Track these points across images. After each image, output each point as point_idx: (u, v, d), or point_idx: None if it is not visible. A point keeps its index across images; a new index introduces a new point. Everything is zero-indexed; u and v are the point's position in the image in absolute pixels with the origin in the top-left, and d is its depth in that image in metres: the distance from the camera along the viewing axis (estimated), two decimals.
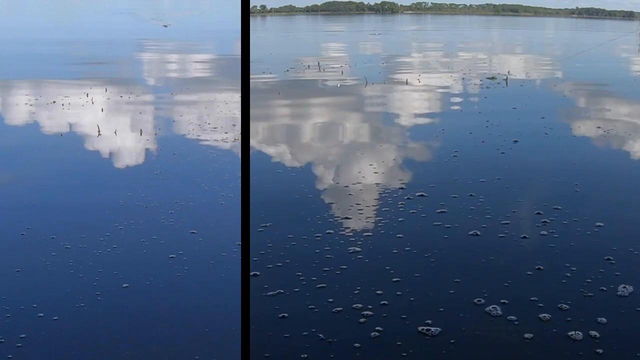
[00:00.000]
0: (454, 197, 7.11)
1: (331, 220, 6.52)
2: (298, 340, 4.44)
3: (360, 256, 5.71)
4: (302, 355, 4.28)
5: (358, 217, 6.59)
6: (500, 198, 7.14)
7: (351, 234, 6.18)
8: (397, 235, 6.14)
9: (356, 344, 4.38)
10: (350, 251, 5.80)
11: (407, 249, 5.86)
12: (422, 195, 7.15)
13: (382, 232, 6.25)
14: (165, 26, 20.46)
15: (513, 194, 7.29)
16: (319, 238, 6.07)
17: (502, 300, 4.90)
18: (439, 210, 6.73)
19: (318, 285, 5.16)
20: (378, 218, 6.58)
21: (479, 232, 6.19)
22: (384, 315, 4.74)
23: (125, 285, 5.25)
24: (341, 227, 6.32)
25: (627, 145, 9.79)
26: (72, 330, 4.60)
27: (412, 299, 4.97)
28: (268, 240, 5.95)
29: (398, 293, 5.03)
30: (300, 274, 5.34)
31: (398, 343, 4.40)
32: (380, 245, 5.95)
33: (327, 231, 6.21)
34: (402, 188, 7.43)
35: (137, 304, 5.01)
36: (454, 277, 5.29)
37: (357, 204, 6.96)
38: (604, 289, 5.08)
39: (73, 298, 5.00)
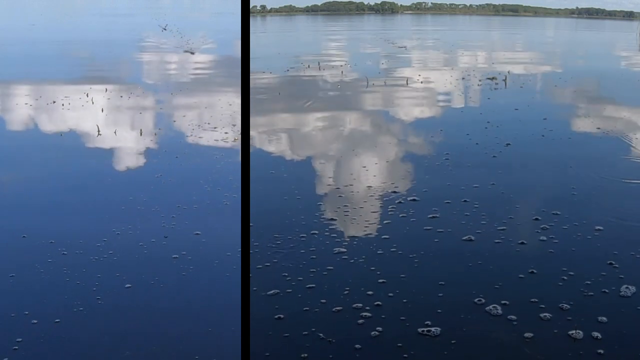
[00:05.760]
0: (447, 202, 7.06)
1: (317, 221, 6.51)
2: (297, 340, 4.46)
3: (345, 257, 5.71)
4: (303, 355, 4.29)
5: (344, 219, 6.58)
6: (496, 203, 7.05)
7: (336, 235, 6.17)
8: (383, 237, 6.13)
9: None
10: (335, 252, 5.80)
11: (392, 250, 5.86)
12: (414, 200, 7.13)
13: (368, 234, 6.24)
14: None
15: (509, 199, 7.23)
16: (304, 239, 6.07)
17: (503, 301, 4.90)
18: (430, 215, 6.70)
19: (307, 286, 5.18)
20: (366, 220, 6.57)
21: (473, 237, 6.16)
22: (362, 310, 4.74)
23: (127, 285, 5.25)
24: (327, 229, 6.30)
25: (626, 145, 9.79)
26: (71, 333, 4.58)
27: (403, 299, 4.98)
28: (255, 241, 5.96)
29: (369, 293, 5.06)
30: (286, 274, 5.36)
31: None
32: (366, 246, 5.94)
33: (312, 232, 6.21)
34: (394, 192, 7.41)
35: (139, 304, 5.00)
36: (439, 280, 5.29)
37: (345, 205, 6.95)
38: (606, 291, 5.08)
39: (71, 303, 4.96)
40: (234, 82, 14.70)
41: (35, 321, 4.71)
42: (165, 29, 18.96)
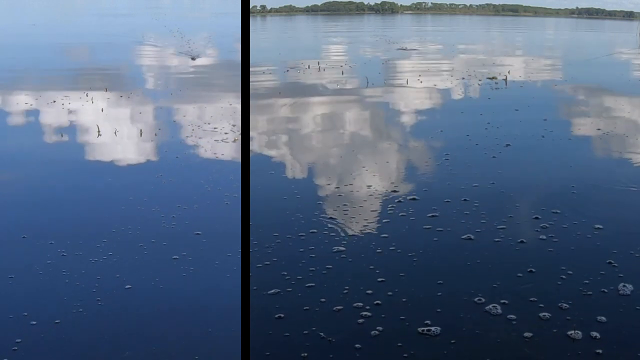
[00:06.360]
0: (447, 201, 7.06)
1: (315, 220, 6.52)
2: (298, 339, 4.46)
3: (344, 256, 5.72)
4: (303, 354, 4.30)
5: (343, 218, 6.58)
6: (496, 202, 7.05)
7: (335, 234, 6.18)
8: (382, 236, 6.14)
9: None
10: (335, 250, 5.81)
11: (391, 249, 5.87)
12: (414, 199, 7.13)
13: (367, 232, 6.25)
14: (194, 58, 19.10)
15: (509, 198, 7.23)
16: (303, 237, 6.09)
17: (503, 301, 4.91)
18: (430, 214, 6.69)
19: (307, 285, 5.19)
20: (365, 219, 6.57)
21: (472, 237, 6.16)
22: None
23: (127, 286, 5.25)
24: (326, 228, 6.31)
25: (626, 145, 9.78)
26: (70, 334, 4.58)
27: (402, 298, 4.99)
28: (254, 240, 5.97)
29: (369, 292, 5.07)
30: (285, 273, 5.37)
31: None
32: (365, 245, 5.96)
33: (311, 231, 6.22)
34: (394, 191, 7.41)
35: (139, 305, 5.00)
36: (438, 279, 5.29)
37: (344, 205, 6.96)
38: (605, 290, 5.08)
39: (71, 304, 4.96)
40: (235, 86, 14.69)
41: (34, 322, 4.71)
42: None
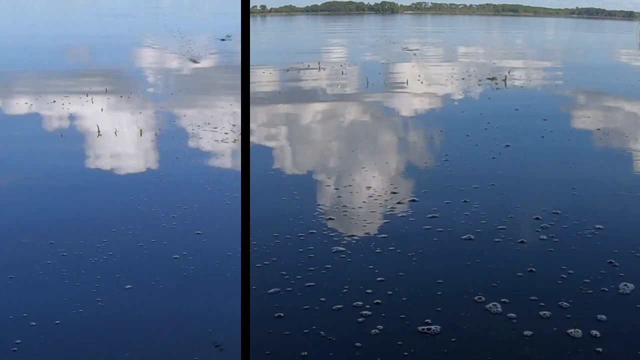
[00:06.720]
0: (447, 202, 7.06)
1: (315, 220, 6.51)
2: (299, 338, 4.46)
3: (344, 256, 5.72)
4: (303, 353, 4.30)
5: (342, 219, 6.58)
6: (496, 203, 7.04)
7: (334, 234, 6.18)
8: (382, 236, 6.14)
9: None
10: (334, 250, 5.81)
11: (390, 249, 5.87)
12: (413, 200, 7.13)
13: (366, 232, 6.25)
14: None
15: (509, 198, 7.21)
16: (302, 238, 6.09)
17: (503, 299, 4.91)
18: (430, 215, 6.69)
19: (307, 284, 5.20)
20: (364, 220, 6.57)
21: (472, 237, 6.16)
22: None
23: (128, 287, 5.24)
24: (325, 228, 6.31)
25: (626, 146, 9.78)
26: (70, 335, 4.57)
27: (402, 297, 4.99)
28: (253, 240, 5.98)
29: (369, 291, 5.07)
30: (285, 272, 5.37)
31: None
32: (364, 245, 5.96)
33: (310, 231, 6.22)
34: (394, 192, 7.41)
35: (140, 306, 5.00)
36: (438, 278, 5.30)
37: (344, 205, 6.95)
38: (606, 289, 5.08)
39: (71, 304, 4.95)
40: (235, 87, 14.69)
41: (34, 323, 4.70)
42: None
